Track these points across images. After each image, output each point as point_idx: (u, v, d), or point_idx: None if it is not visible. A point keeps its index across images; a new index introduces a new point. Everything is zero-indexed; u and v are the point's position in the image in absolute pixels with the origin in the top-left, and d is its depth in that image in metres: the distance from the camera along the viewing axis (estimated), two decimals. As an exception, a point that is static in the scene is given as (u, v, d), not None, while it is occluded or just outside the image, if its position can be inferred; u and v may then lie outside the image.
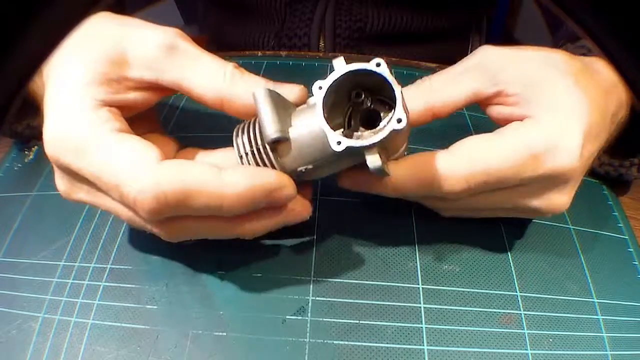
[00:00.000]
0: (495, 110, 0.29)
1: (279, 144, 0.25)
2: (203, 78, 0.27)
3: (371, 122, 0.26)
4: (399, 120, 0.23)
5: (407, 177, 0.27)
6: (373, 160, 0.23)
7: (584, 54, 0.33)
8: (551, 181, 0.27)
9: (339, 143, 0.23)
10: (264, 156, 0.26)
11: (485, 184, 0.27)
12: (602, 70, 0.29)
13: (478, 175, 0.26)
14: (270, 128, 0.25)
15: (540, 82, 0.27)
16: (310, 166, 0.26)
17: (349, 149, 0.23)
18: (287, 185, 0.25)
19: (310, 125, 0.25)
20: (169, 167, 0.24)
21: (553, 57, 0.28)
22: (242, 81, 0.27)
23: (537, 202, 0.28)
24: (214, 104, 0.27)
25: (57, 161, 0.25)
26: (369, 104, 0.26)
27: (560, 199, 0.28)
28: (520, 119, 0.27)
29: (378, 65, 0.23)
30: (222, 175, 0.24)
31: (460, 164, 0.26)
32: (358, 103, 0.26)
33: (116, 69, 0.26)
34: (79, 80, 0.25)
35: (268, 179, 0.25)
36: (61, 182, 0.27)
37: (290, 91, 0.28)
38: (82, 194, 0.27)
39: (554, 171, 0.26)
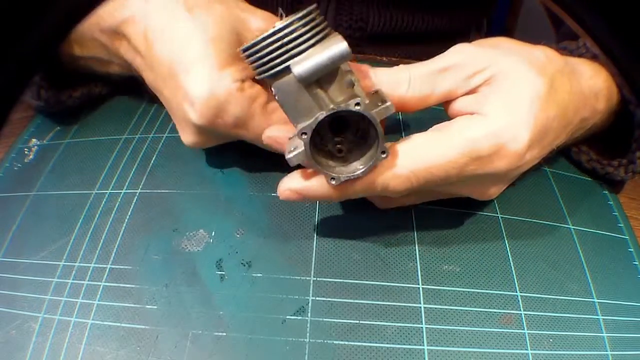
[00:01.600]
0: (452, 106, 0.29)
1: None
2: None
3: (337, 126, 0.27)
4: (383, 152, 0.25)
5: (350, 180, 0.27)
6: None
7: (581, 55, 0.33)
8: (489, 178, 0.28)
9: (332, 179, 0.26)
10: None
11: (428, 183, 0.27)
12: (585, 74, 0.29)
13: (421, 175, 0.26)
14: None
15: (507, 79, 0.27)
16: None
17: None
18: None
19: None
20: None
21: (533, 54, 0.28)
22: None
23: (470, 192, 0.30)
24: None
25: (207, 130, 0.31)
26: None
27: (492, 190, 0.30)
28: (469, 113, 0.27)
29: (357, 104, 0.24)
30: None
31: (404, 164, 0.26)
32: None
33: (237, 46, 0.29)
34: (215, 64, 0.29)
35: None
36: (195, 139, 0.32)
37: None
38: (216, 140, 0.33)
39: (495, 172, 0.27)
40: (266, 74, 0.25)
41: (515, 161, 0.26)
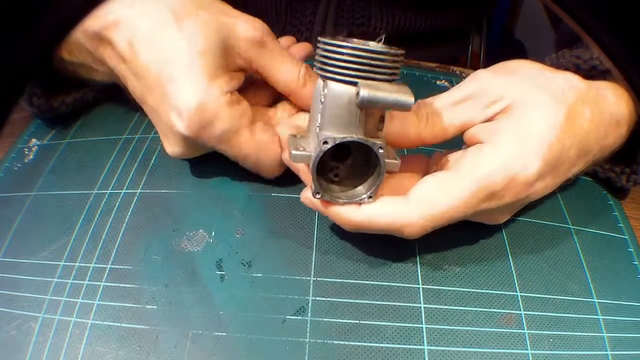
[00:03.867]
0: (469, 133, 0.29)
1: None
2: (282, 73, 0.32)
3: (339, 155, 0.28)
4: (370, 197, 0.27)
5: (366, 223, 0.28)
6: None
7: (577, 65, 0.32)
8: (500, 209, 0.28)
9: (317, 193, 0.27)
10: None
11: (442, 225, 0.27)
12: (609, 99, 0.29)
13: (436, 221, 0.27)
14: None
15: (522, 107, 0.27)
16: None
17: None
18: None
19: None
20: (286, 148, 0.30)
21: (554, 81, 0.28)
22: (310, 83, 0.32)
23: (482, 219, 0.30)
24: (284, 93, 0.33)
25: (193, 141, 0.30)
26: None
27: (502, 217, 0.30)
28: (480, 141, 0.27)
29: (381, 149, 0.26)
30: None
31: (418, 214, 0.27)
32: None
33: (226, 59, 0.30)
34: (205, 74, 0.29)
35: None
36: (179, 149, 0.32)
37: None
38: (200, 151, 0.33)
39: (506, 204, 0.27)
40: (331, 75, 0.25)
41: (524, 190, 0.26)
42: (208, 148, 0.32)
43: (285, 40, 0.40)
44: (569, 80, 0.28)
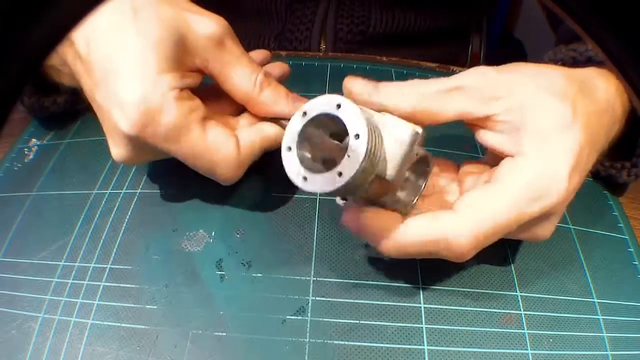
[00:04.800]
0: (484, 137, 0.29)
1: None
2: (237, 78, 0.30)
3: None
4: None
5: (411, 238, 0.26)
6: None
7: (574, 57, 0.32)
8: (539, 218, 0.27)
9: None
10: None
11: (492, 240, 0.26)
12: (599, 86, 0.29)
13: (488, 234, 0.26)
14: None
15: (532, 111, 0.27)
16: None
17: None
18: None
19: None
20: (246, 150, 0.30)
21: (551, 79, 0.28)
22: (267, 90, 0.31)
23: (524, 236, 0.29)
24: (240, 101, 0.31)
25: (137, 141, 0.28)
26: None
27: (544, 230, 0.28)
28: (511, 155, 0.27)
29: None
30: None
31: (468, 226, 0.26)
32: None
33: (180, 55, 0.28)
34: (153, 67, 0.27)
35: None
36: (125, 152, 0.29)
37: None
38: (147, 156, 0.31)
39: (547, 211, 0.26)
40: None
41: (561, 194, 0.26)
42: (158, 152, 0.29)
43: (258, 53, 0.38)
44: (565, 74, 0.28)
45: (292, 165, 0.23)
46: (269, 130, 0.31)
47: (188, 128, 0.28)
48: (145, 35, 0.27)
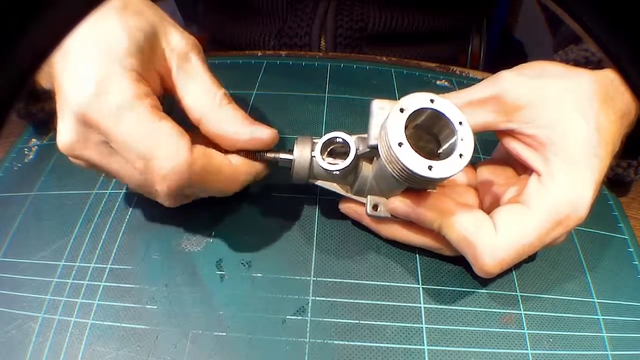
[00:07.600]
0: (510, 145, 0.29)
1: None
2: (198, 91, 0.29)
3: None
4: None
5: (457, 239, 0.28)
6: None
7: (586, 57, 0.32)
8: (560, 237, 0.28)
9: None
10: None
11: (516, 262, 0.28)
12: (622, 90, 0.29)
13: (513, 258, 0.27)
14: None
15: (560, 131, 0.27)
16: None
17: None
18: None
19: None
20: (199, 153, 0.27)
21: (581, 85, 0.28)
22: (226, 108, 0.29)
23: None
24: (196, 118, 0.29)
25: (84, 116, 0.25)
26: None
27: (557, 242, 0.29)
28: (539, 172, 0.28)
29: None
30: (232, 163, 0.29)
31: (501, 245, 0.27)
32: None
33: (148, 52, 0.27)
34: (122, 47, 0.26)
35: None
36: (70, 135, 0.26)
37: (262, 133, 0.29)
38: (90, 151, 0.27)
39: (570, 229, 0.27)
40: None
41: (585, 212, 0.27)
42: (100, 146, 0.26)
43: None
44: (594, 80, 0.28)
45: (412, 158, 0.24)
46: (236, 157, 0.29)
47: (134, 109, 0.25)
48: (126, 20, 0.27)
